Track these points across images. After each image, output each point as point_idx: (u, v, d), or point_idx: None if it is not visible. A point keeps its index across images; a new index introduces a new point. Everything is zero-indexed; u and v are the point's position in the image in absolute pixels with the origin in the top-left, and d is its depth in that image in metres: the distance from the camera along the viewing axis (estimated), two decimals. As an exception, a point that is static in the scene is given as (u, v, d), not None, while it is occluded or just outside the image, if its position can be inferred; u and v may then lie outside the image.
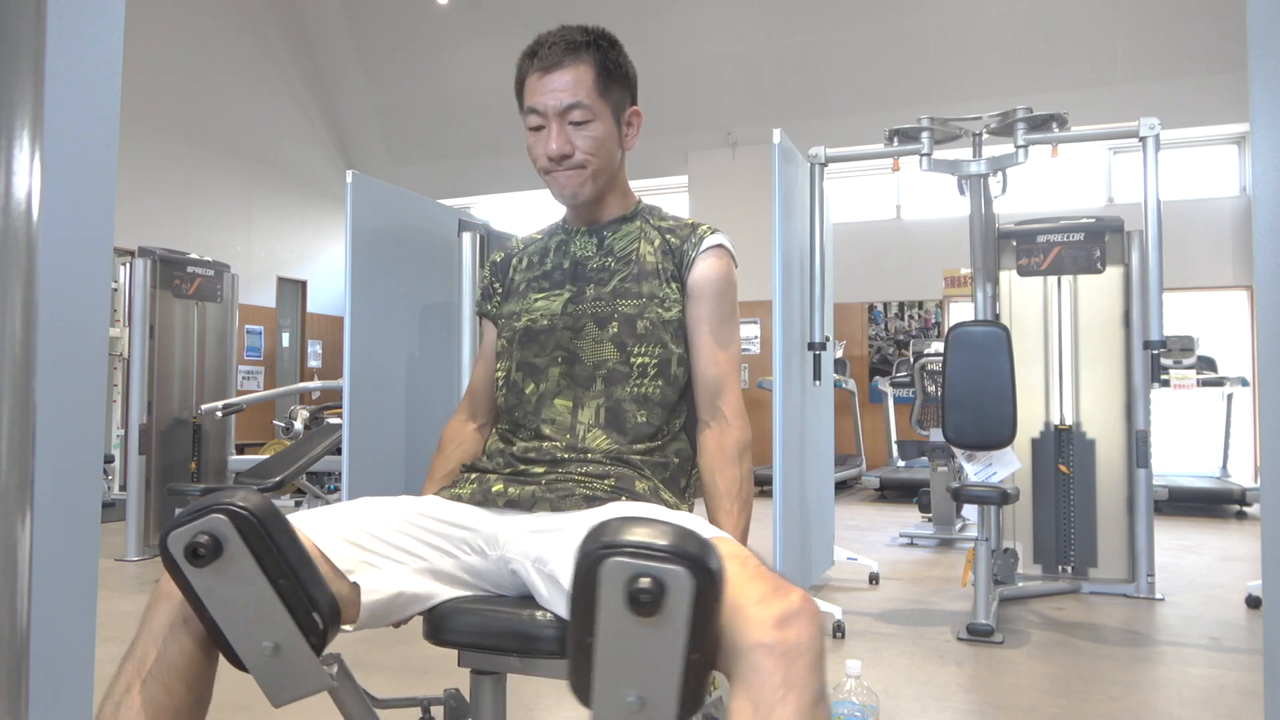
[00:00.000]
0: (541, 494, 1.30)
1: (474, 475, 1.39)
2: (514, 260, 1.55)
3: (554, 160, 1.36)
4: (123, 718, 1.03)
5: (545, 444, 1.36)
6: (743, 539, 1.32)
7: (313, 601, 1.08)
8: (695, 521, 1.17)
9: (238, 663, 1.08)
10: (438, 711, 1.36)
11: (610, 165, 1.41)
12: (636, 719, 0.93)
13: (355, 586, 1.16)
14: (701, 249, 1.43)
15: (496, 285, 1.55)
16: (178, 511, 1.09)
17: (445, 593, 1.25)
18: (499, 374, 1.46)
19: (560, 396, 1.39)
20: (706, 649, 0.91)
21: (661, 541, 0.90)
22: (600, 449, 1.35)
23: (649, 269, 1.42)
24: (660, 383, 1.38)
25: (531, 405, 1.40)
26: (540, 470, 1.34)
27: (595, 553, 0.91)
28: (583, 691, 0.95)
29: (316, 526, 1.21)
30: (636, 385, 1.38)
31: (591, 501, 1.27)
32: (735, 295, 1.46)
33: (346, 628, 1.16)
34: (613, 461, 1.33)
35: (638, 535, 0.91)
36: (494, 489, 1.33)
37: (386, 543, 1.23)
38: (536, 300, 1.45)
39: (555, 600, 1.16)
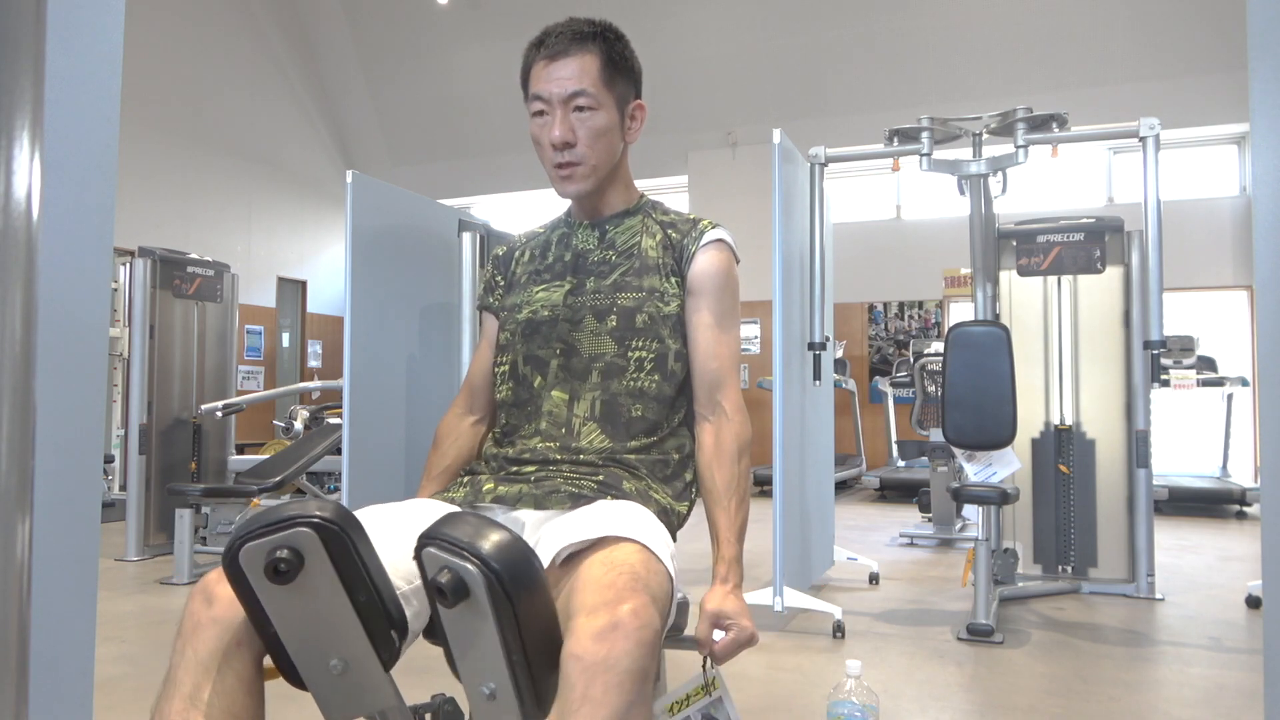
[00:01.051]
0: (528, 491, 1.30)
1: (467, 479, 1.39)
2: (516, 254, 1.55)
3: (557, 148, 1.36)
4: None
5: (541, 444, 1.36)
6: (740, 536, 1.31)
7: (389, 617, 1.03)
8: (633, 521, 1.16)
9: (296, 680, 1.03)
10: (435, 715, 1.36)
11: (612, 157, 1.41)
12: (490, 708, 0.97)
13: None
14: (702, 243, 1.43)
15: (499, 279, 1.54)
16: (237, 521, 1.03)
17: None
18: (502, 367, 1.45)
19: (558, 389, 1.39)
20: (525, 651, 0.94)
21: (466, 539, 0.93)
22: (595, 448, 1.34)
23: (650, 263, 1.42)
24: (657, 377, 1.38)
25: (541, 399, 1.40)
26: (532, 469, 1.34)
27: (421, 540, 0.97)
28: (454, 670, 1.00)
29: None
30: (633, 379, 1.37)
31: (577, 500, 1.27)
32: (736, 290, 1.45)
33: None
34: (606, 462, 1.33)
35: (456, 531, 0.95)
36: (484, 488, 1.33)
37: (401, 576, 1.17)
38: (537, 292, 1.45)
39: None
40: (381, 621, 1.02)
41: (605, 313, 1.39)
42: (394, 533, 1.21)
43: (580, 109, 1.35)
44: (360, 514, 1.27)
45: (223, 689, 1.00)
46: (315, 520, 0.96)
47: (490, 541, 0.94)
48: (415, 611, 1.14)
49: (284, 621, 0.99)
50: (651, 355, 1.38)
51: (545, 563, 1.10)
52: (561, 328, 1.40)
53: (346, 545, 0.98)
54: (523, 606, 0.94)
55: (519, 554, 0.95)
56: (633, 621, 0.95)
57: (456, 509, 1.32)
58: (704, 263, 1.42)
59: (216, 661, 1.01)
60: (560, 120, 1.35)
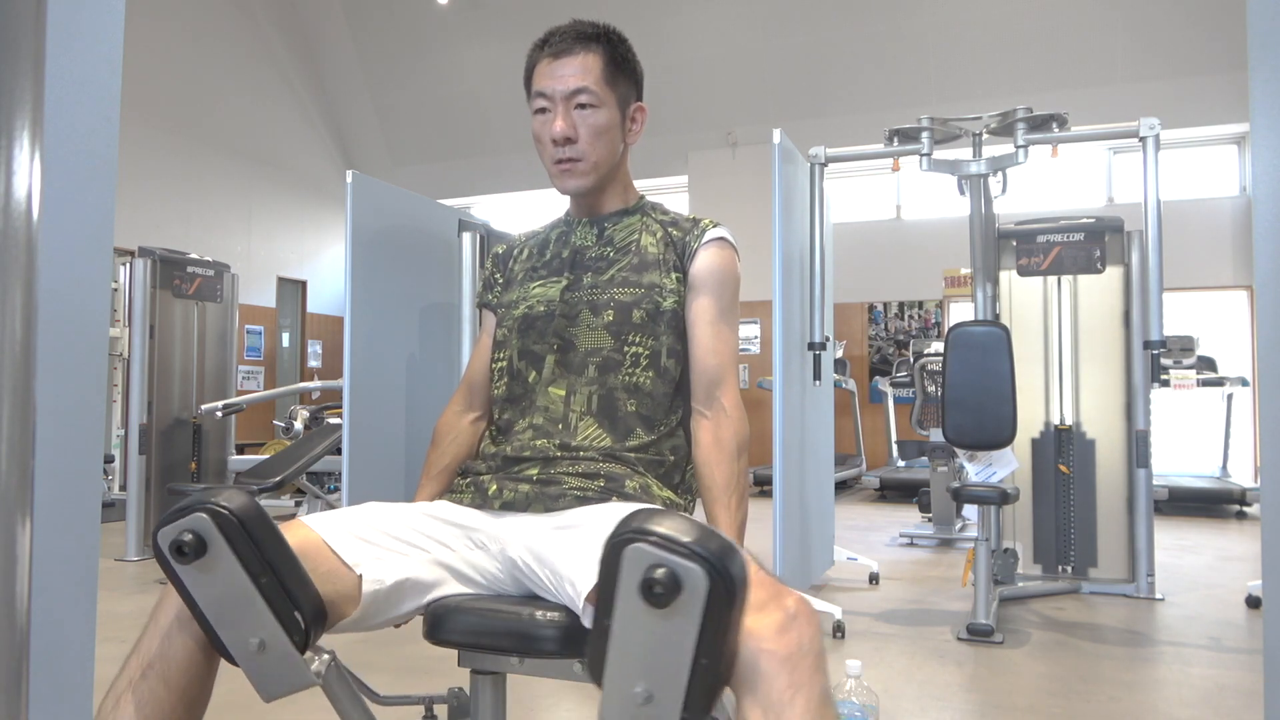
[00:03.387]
0: (535, 494, 1.30)
1: (468, 479, 1.40)
2: (516, 251, 1.56)
3: (558, 143, 1.38)
4: (122, 710, 1.06)
5: (539, 441, 1.36)
6: (739, 534, 1.31)
7: (294, 600, 1.09)
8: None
9: (230, 657, 1.10)
10: (441, 710, 1.36)
11: (612, 156, 1.42)
12: (641, 712, 0.94)
13: (359, 578, 1.18)
14: (704, 240, 1.44)
15: (498, 276, 1.55)
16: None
17: (449, 586, 1.26)
18: (500, 363, 1.46)
19: (555, 385, 1.40)
20: (718, 656, 0.91)
21: (686, 537, 0.90)
22: (593, 447, 1.34)
23: (650, 260, 1.43)
24: (651, 374, 1.38)
25: (535, 394, 1.41)
26: (533, 470, 1.34)
27: (623, 536, 0.93)
28: (597, 673, 0.96)
29: (325, 523, 1.23)
30: (629, 375, 1.38)
31: (583, 502, 1.28)
32: (737, 288, 1.46)
33: (349, 619, 1.18)
34: (605, 459, 1.33)
35: (665, 527, 0.92)
36: (489, 491, 1.34)
37: (394, 537, 1.25)
38: (534, 288, 1.46)
39: (561, 595, 1.16)
40: (287, 604, 1.09)
41: (601, 307, 1.40)
42: (387, 525, 1.26)
43: (582, 106, 1.37)
44: (363, 508, 1.31)
45: (167, 655, 1.09)
46: (211, 507, 1.06)
47: (713, 540, 0.92)
48: (371, 605, 1.19)
49: (204, 599, 1.08)
50: (647, 352, 1.39)
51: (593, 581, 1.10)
52: (558, 323, 1.41)
53: (242, 532, 1.06)
54: (736, 611, 0.93)
55: (736, 555, 0.93)
56: (805, 608, 0.98)
57: (466, 510, 1.34)
58: (706, 259, 1.43)
59: (167, 629, 1.11)
60: (562, 115, 1.37)
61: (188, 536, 1.05)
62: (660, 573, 0.89)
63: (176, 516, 1.07)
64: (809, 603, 0.99)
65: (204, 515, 1.05)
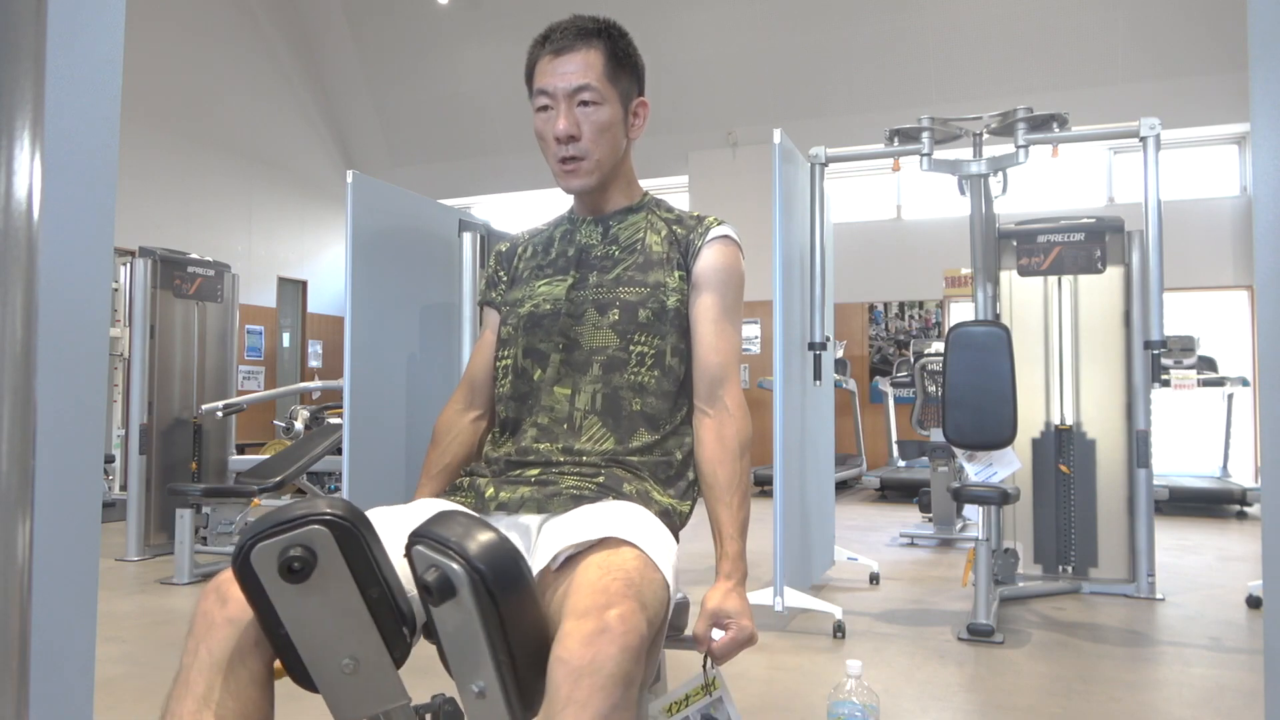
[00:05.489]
0: (530, 495, 1.30)
1: (467, 481, 1.40)
2: (519, 249, 1.55)
3: (561, 141, 1.37)
4: None
5: (543, 445, 1.36)
6: (742, 532, 1.31)
7: (400, 613, 1.02)
8: (634, 524, 1.16)
9: (306, 682, 1.03)
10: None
11: (616, 153, 1.42)
12: (478, 705, 0.97)
13: None
14: (708, 238, 1.43)
15: (501, 274, 1.55)
16: (247, 522, 1.02)
17: None
18: (505, 361, 1.45)
19: (560, 384, 1.39)
20: (511, 652, 0.94)
21: (454, 538, 0.94)
22: (597, 450, 1.34)
23: (655, 258, 1.43)
24: (656, 373, 1.38)
25: (540, 392, 1.40)
26: (534, 472, 1.34)
27: (411, 538, 0.98)
28: (447, 668, 1.00)
29: None
30: (634, 374, 1.38)
31: (579, 500, 1.27)
32: (741, 286, 1.46)
33: None
34: (609, 463, 1.33)
35: (445, 529, 0.95)
36: (486, 494, 1.33)
37: (399, 540, 1.24)
38: (540, 286, 1.45)
39: None
40: (393, 618, 1.01)
41: (607, 306, 1.39)
42: (403, 533, 1.22)
43: (585, 104, 1.37)
44: (368, 515, 1.29)
45: (236, 690, 1.00)
46: (328, 517, 0.96)
47: (477, 541, 0.94)
48: (418, 609, 1.16)
49: (296, 622, 0.98)
50: (652, 351, 1.39)
51: (544, 563, 1.11)
52: (563, 321, 1.40)
53: (359, 541, 0.98)
54: (508, 607, 0.94)
55: (506, 555, 0.95)
56: (619, 626, 0.95)
57: (453, 507, 1.33)
58: (710, 257, 1.43)
59: (230, 661, 1.01)
60: (565, 114, 1.36)
61: (298, 551, 0.94)
62: (432, 573, 0.93)
63: (278, 529, 0.96)
64: (632, 620, 0.96)
65: (320, 527, 0.95)
